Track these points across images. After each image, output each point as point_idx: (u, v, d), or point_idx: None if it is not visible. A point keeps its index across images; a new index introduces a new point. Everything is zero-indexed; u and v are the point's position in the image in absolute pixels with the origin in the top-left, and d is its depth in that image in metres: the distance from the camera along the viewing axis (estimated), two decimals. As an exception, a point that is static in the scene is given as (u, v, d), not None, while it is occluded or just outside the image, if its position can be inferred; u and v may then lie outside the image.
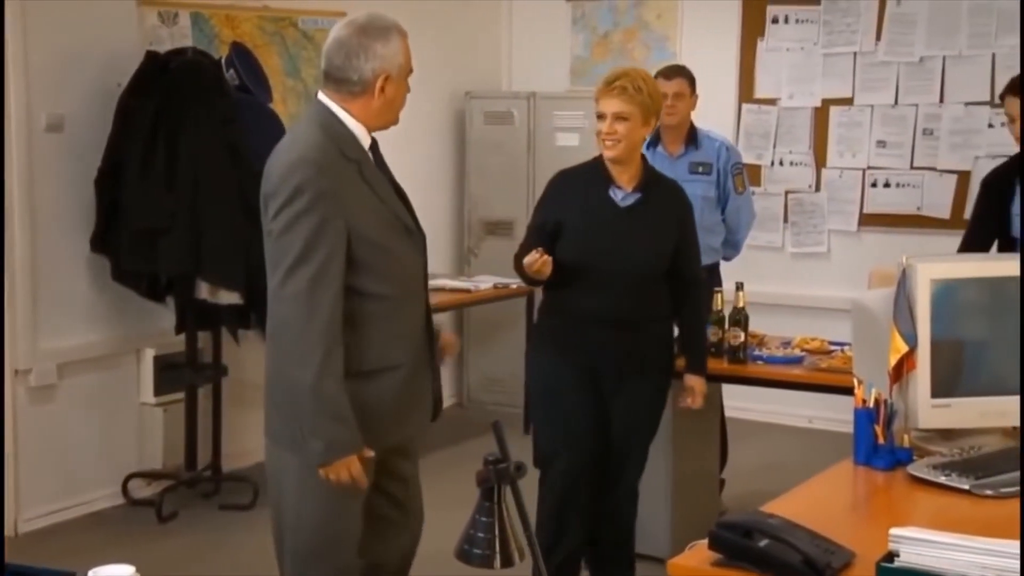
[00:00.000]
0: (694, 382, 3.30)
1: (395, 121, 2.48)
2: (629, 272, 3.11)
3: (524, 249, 3.15)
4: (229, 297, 4.31)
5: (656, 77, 4.43)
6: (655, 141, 4.42)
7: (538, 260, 3.00)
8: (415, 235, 2.48)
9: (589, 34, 6.21)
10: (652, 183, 3.19)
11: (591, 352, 3.14)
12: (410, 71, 2.45)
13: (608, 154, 3.13)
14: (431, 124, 5.93)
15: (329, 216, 2.30)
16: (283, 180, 2.32)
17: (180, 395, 4.52)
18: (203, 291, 4.30)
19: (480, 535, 1.66)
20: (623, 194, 3.15)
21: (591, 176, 3.18)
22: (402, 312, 2.44)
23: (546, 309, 3.27)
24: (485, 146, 6.08)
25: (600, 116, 3.13)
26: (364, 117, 2.40)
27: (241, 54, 4.44)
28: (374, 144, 2.47)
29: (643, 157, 3.25)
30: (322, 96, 2.43)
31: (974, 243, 3.78)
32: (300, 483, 2.43)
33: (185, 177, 4.21)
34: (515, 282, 5.67)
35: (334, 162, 2.34)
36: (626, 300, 3.12)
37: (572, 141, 5.84)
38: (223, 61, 4.40)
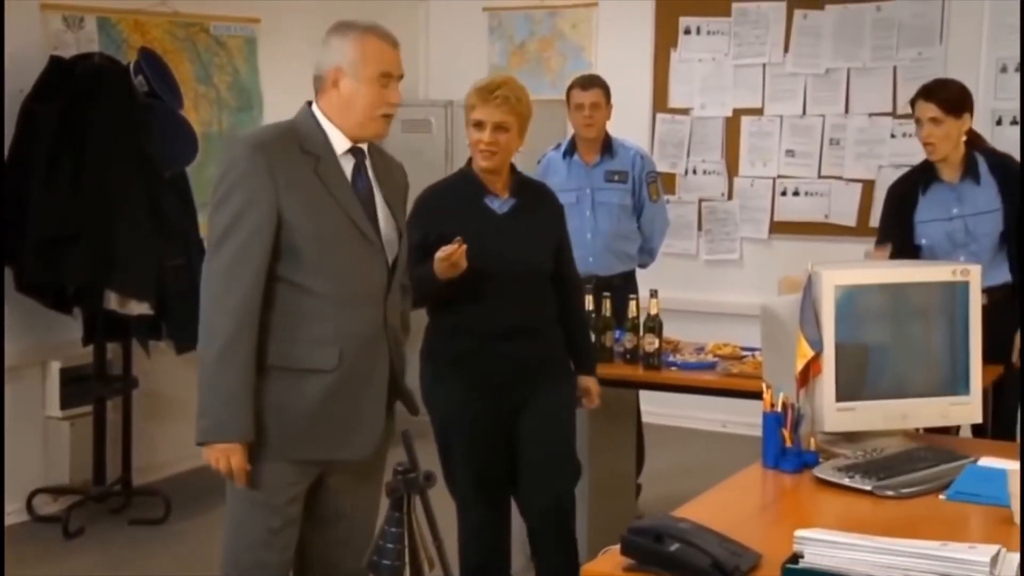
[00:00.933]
0: (589, 383, 3.28)
1: (370, 128, 2.42)
2: (521, 277, 3.06)
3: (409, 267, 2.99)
4: (139, 307, 4.23)
5: (572, 87, 4.47)
6: (571, 150, 4.45)
7: (457, 250, 2.88)
8: (375, 245, 2.42)
9: (506, 43, 6.24)
10: (524, 187, 3.16)
11: (499, 367, 3.05)
12: (378, 74, 2.40)
13: (485, 164, 3.04)
14: (347, 132, 5.86)
15: (256, 195, 2.30)
16: (224, 159, 2.42)
17: (88, 408, 4.42)
18: (112, 301, 4.21)
19: (389, 546, 1.64)
20: (499, 201, 3.10)
21: (463, 188, 3.11)
22: (342, 315, 2.37)
23: (439, 331, 3.12)
24: (403, 154, 5.90)
25: (478, 124, 3.02)
26: (336, 117, 2.41)
27: (150, 60, 4.36)
28: (359, 154, 2.44)
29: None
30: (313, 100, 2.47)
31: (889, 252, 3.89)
32: (230, 493, 2.42)
33: (92, 184, 4.12)
34: (433, 290, 5.68)
35: (282, 148, 2.35)
36: (522, 306, 3.07)
37: (490, 149, 5.84)
38: (131, 67, 4.32)
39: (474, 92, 3.04)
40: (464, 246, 2.91)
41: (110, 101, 4.16)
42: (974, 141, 3.77)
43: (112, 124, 4.15)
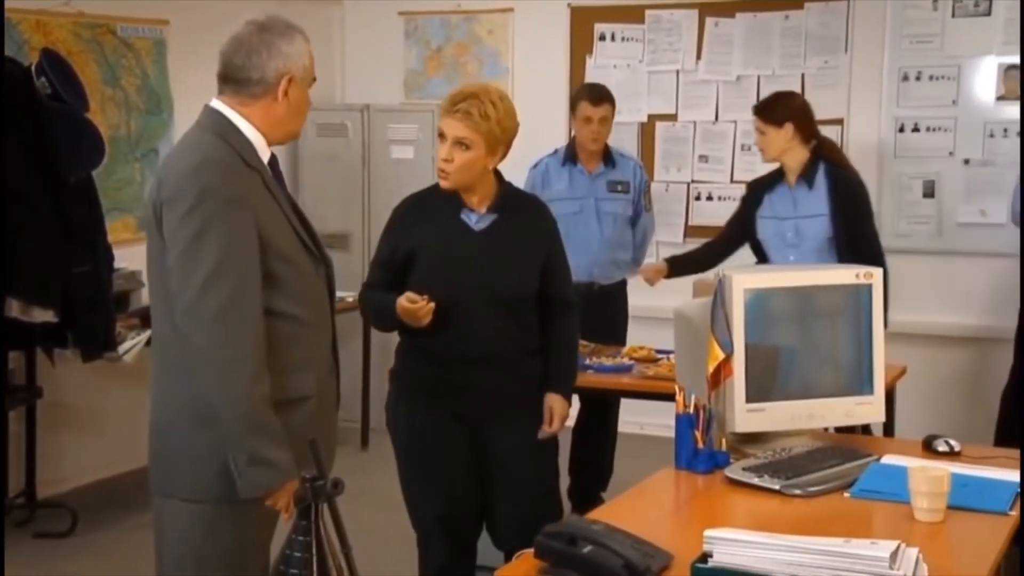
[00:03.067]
0: (553, 400, 2.89)
1: (297, 133, 2.32)
2: (493, 300, 2.79)
3: (372, 287, 2.89)
4: (43, 315, 4.11)
5: (581, 99, 4.44)
6: (572, 159, 4.47)
7: (424, 307, 2.69)
8: (317, 260, 2.29)
9: (422, 48, 6.22)
10: (510, 202, 2.86)
11: (464, 396, 2.82)
12: (313, 79, 2.27)
13: (442, 184, 2.79)
14: (261, 136, 5.78)
15: (242, 221, 2.10)
16: (185, 185, 2.10)
17: (-11, 420, 4.28)
18: (14, 309, 4.08)
19: (296, 555, 1.62)
20: (477, 216, 2.82)
21: (441, 199, 2.83)
22: (313, 337, 2.26)
23: (407, 353, 2.91)
24: (319, 159, 6.00)
25: (440, 136, 2.78)
26: (266, 125, 2.21)
27: (52, 61, 4.23)
28: (273, 160, 2.28)
29: (498, 173, 2.87)
30: (216, 103, 2.22)
31: (721, 238, 4.28)
32: (203, 536, 2.18)
33: (-7, 189, 3.99)
34: (350, 295, 5.60)
35: (238, 166, 2.16)
36: (494, 332, 2.80)
37: (407, 154, 5.83)
38: (33, 68, 4.19)
39: (444, 99, 2.81)
40: (432, 305, 2.71)
41: (11, 103, 4.03)
42: (823, 150, 4.04)
43: (13, 127, 4.02)
